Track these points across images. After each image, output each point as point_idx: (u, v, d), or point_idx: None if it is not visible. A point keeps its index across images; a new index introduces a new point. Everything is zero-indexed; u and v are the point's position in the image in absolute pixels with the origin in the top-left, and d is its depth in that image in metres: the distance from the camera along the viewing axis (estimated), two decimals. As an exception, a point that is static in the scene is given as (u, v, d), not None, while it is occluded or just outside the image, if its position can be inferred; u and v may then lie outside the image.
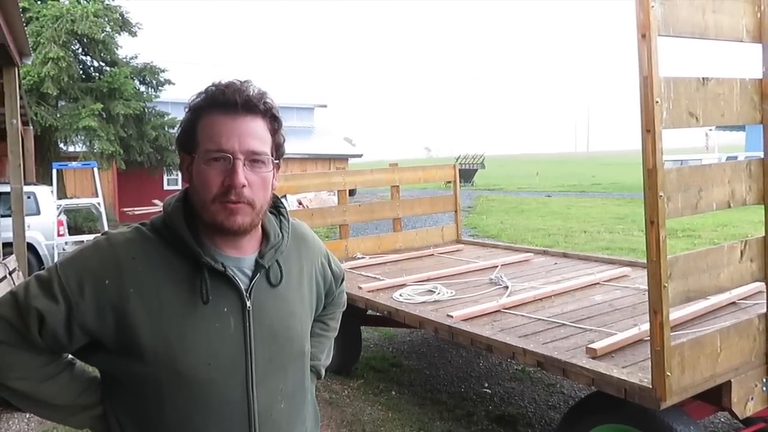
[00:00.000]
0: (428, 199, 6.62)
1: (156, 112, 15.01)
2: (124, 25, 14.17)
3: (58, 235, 8.84)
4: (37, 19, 12.77)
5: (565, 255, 5.36)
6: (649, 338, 2.27)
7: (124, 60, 14.54)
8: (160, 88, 15.31)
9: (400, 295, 4.07)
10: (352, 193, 18.82)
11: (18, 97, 6.45)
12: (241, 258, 1.20)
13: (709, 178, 2.35)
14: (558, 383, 4.49)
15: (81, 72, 13.86)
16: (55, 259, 8.33)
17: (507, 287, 4.15)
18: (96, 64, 14.41)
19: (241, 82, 1.16)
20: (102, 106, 12.99)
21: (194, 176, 1.16)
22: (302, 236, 1.36)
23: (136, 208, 14.55)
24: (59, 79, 12.39)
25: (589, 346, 2.83)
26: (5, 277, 4.78)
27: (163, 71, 15.16)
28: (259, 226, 1.22)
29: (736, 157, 17.05)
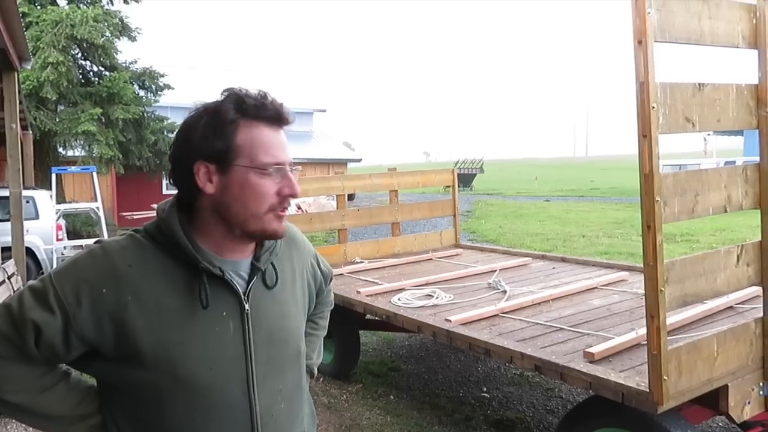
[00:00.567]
0: (427, 203, 6.63)
1: (155, 117, 15.00)
2: (123, 30, 14.18)
3: (57, 239, 8.84)
4: (37, 23, 12.78)
5: (563, 259, 5.38)
6: (646, 342, 2.28)
7: (124, 65, 14.55)
8: (159, 92, 15.30)
9: (399, 300, 4.08)
10: (351, 197, 18.84)
11: (17, 102, 6.46)
12: (237, 261, 1.21)
13: (705, 183, 2.36)
14: (556, 387, 4.49)
15: (80, 76, 13.86)
16: (54, 264, 8.37)
17: (505, 291, 4.15)
18: (95, 68, 14.42)
19: (265, 92, 1.19)
20: (101, 110, 12.99)
21: (237, 187, 1.14)
22: (292, 238, 1.37)
23: (134, 213, 14.54)
24: (58, 84, 12.39)
25: (587, 350, 2.84)
26: (4, 281, 4.78)
27: (162, 76, 15.17)
28: None
29: (734, 162, 17.09)
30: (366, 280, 4.80)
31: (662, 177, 2.16)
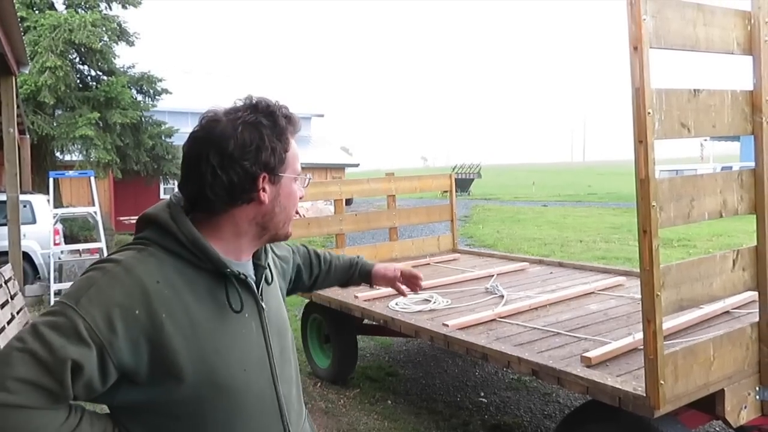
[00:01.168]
0: (424, 208, 6.64)
1: (153, 121, 14.98)
2: (121, 34, 14.18)
3: (54, 244, 8.80)
4: (35, 28, 12.78)
5: (560, 264, 5.38)
6: (643, 347, 2.28)
7: (122, 69, 14.55)
8: (157, 97, 15.30)
9: (396, 304, 4.08)
10: (348, 202, 18.84)
11: (15, 106, 6.48)
12: (243, 263, 1.25)
13: (701, 188, 2.37)
14: (554, 392, 4.49)
15: (78, 81, 13.85)
16: (51, 268, 8.35)
17: (503, 296, 4.16)
18: (93, 73, 14.41)
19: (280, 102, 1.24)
20: (99, 115, 12.98)
21: (285, 196, 1.22)
22: None
23: (132, 217, 14.50)
24: (56, 88, 12.38)
25: (584, 354, 2.84)
26: (1, 285, 4.77)
27: (160, 80, 15.17)
28: None
29: (730, 167, 17.13)
30: (363, 285, 4.79)
31: (658, 182, 2.18)
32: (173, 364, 1.07)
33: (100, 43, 13.27)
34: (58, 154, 14.20)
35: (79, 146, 13.24)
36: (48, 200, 9.44)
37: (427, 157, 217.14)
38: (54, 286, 8.16)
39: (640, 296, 2.29)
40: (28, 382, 0.97)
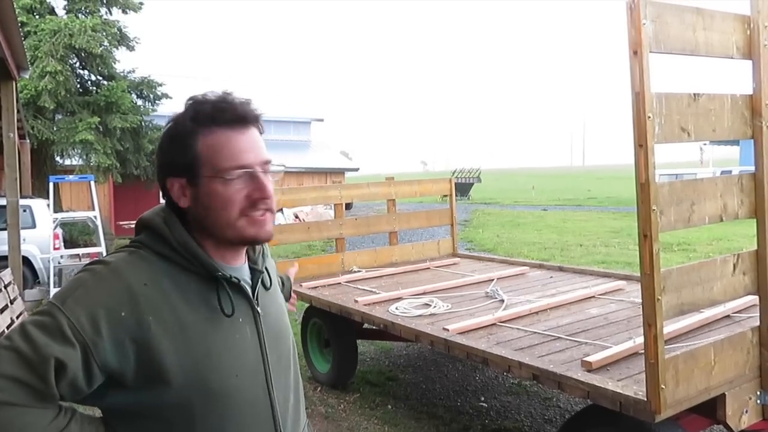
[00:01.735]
0: (424, 212, 6.64)
1: (153, 126, 15.02)
2: (121, 39, 14.23)
3: (54, 248, 8.81)
4: (35, 33, 12.82)
5: (560, 268, 5.38)
6: (643, 351, 2.28)
7: (122, 74, 14.60)
8: (157, 101, 15.34)
9: (396, 309, 4.08)
10: (348, 206, 18.83)
11: (15, 111, 6.48)
12: (239, 267, 1.23)
13: (701, 192, 2.37)
14: (554, 397, 4.48)
15: (78, 86, 13.89)
16: (51, 273, 8.35)
17: (503, 301, 4.15)
18: (93, 78, 14.45)
19: (226, 93, 1.16)
20: (99, 119, 13.01)
21: (206, 197, 1.13)
22: None
23: (132, 222, 14.48)
24: (56, 93, 12.41)
25: (585, 359, 2.83)
26: (0, 290, 4.77)
27: (160, 85, 15.21)
28: None
29: (730, 171, 17.16)
30: (363, 289, 4.80)
31: (658, 186, 2.18)
32: (160, 366, 1.06)
33: (101, 48, 13.31)
34: (58, 158, 14.22)
35: (79, 151, 13.26)
36: (48, 205, 9.45)
37: (427, 161, 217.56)
38: (53, 291, 8.15)
39: (640, 300, 2.29)
40: (13, 379, 0.98)
